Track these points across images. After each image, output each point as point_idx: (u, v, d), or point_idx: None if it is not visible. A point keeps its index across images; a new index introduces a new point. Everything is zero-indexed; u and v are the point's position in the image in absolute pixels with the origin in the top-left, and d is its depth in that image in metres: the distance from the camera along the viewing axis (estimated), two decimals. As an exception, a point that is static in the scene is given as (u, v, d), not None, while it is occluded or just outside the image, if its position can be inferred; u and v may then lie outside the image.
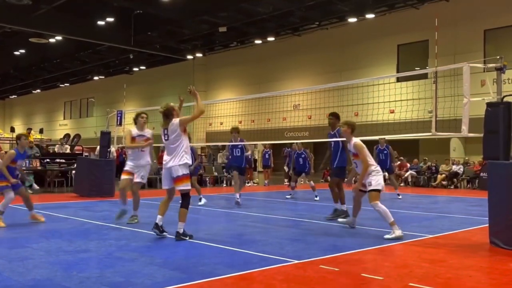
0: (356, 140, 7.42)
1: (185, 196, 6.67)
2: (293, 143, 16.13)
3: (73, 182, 15.26)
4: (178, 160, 6.54)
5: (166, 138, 6.67)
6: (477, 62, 7.88)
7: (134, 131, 8.33)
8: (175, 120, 6.62)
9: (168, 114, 6.67)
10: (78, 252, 5.76)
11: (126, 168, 8.21)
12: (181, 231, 6.52)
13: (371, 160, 7.38)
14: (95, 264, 5.19)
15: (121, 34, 28.12)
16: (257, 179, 20.75)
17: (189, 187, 6.65)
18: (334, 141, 9.08)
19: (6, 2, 22.33)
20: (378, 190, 7.16)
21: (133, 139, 8.23)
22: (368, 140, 14.50)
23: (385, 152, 13.96)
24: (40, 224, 8.02)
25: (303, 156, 14.01)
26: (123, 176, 8.20)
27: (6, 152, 9.05)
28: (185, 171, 6.59)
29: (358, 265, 5.40)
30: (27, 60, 36.36)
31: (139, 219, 8.16)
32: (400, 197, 13.78)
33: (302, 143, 14.68)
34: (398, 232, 6.92)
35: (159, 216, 6.64)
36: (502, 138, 6.59)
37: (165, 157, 6.70)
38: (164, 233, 6.63)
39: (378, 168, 7.39)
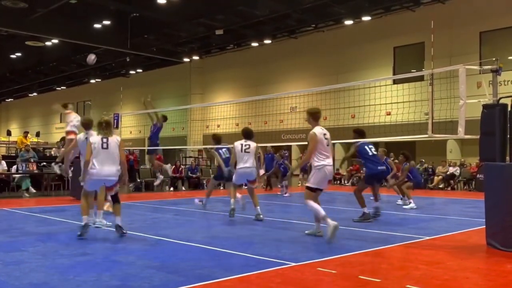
0: (313, 130, 6.97)
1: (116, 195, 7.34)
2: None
3: (70, 185, 15.20)
4: (117, 167, 7.12)
5: (105, 146, 7.11)
6: (473, 64, 7.89)
7: None
8: (117, 139, 7.25)
9: (110, 127, 7.35)
10: (74, 256, 5.74)
11: None
12: (120, 222, 7.13)
13: (320, 155, 6.93)
14: (92, 267, 5.16)
15: (118, 37, 28.09)
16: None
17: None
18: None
19: (2, 5, 22.28)
20: (310, 188, 6.99)
21: None
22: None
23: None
24: (37, 227, 8.00)
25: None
26: None
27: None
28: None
29: (356, 267, 5.40)
30: (24, 63, 36.27)
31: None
32: (399, 202, 13.62)
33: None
34: (332, 224, 6.58)
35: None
36: (498, 140, 6.61)
37: (102, 165, 7.04)
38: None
39: (323, 164, 6.92)
